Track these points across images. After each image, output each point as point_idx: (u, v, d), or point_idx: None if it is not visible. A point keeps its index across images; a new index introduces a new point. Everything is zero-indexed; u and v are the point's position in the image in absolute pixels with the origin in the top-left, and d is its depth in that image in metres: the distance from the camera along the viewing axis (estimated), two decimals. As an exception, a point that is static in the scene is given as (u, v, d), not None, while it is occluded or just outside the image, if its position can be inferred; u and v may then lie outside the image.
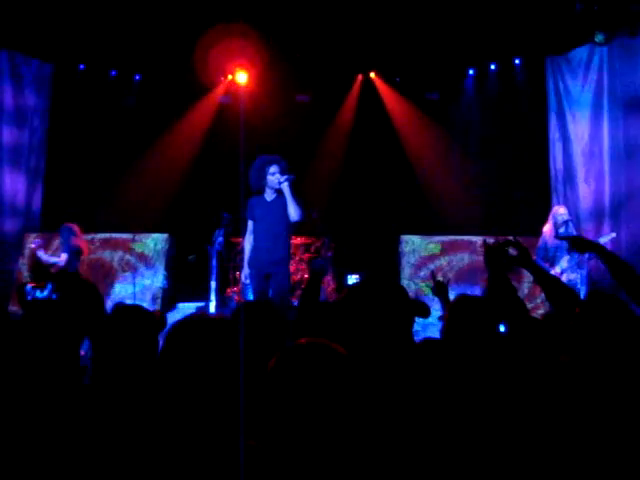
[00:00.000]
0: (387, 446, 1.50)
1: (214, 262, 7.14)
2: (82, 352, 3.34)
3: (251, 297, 6.15)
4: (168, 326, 1.73)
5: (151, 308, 6.84)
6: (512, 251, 2.67)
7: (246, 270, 5.74)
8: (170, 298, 8.45)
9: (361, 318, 1.66)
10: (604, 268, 2.75)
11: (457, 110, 9.62)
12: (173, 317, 7.28)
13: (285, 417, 1.44)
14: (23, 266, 8.62)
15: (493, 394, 1.86)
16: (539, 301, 7.33)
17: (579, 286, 6.03)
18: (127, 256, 8.65)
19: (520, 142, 9.05)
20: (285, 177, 5.53)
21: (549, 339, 2.35)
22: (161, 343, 1.71)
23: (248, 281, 5.75)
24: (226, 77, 9.50)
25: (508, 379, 1.95)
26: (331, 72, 9.37)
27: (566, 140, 8.53)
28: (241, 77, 9.29)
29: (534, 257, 6.44)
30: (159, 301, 8.33)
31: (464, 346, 2.26)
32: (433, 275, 3.71)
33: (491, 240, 2.90)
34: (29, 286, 2.26)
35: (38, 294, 2.25)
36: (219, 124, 9.28)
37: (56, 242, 8.55)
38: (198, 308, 7.73)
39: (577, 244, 2.81)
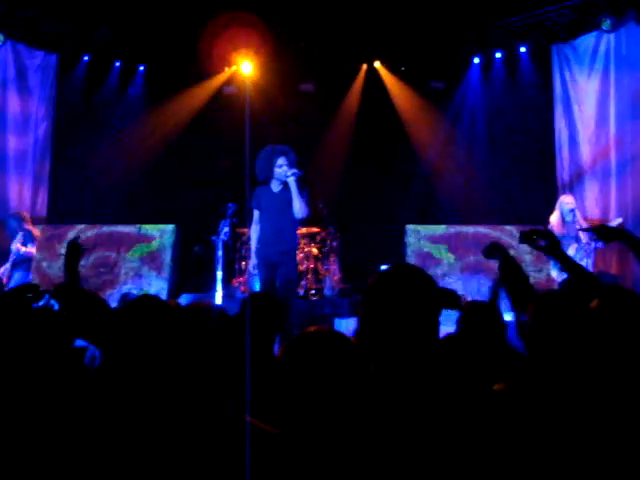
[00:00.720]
0: (395, 440, 1.49)
1: (220, 253, 7.15)
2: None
3: (258, 287, 6.15)
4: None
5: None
6: (541, 242, 2.70)
7: (253, 260, 5.73)
8: (176, 288, 8.46)
9: (386, 307, 1.65)
10: (609, 257, 2.77)
11: (462, 99, 9.57)
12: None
13: (294, 406, 1.44)
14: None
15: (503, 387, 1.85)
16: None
17: (586, 275, 6.00)
18: (133, 248, 8.65)
19: (526, 131, 9.00)
20: (292, 172, 5.47)
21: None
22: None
23: (256, 271, 5.74)
24: (230, 67, 9.47)
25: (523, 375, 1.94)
26: (335, 61, 9.33)
27: (573, 129, 8.48)
28: (246, 67, 9.25)
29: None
30: (165, 292, 8.34)
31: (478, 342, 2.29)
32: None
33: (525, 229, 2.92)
34: (29, 294, 2.27)
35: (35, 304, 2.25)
36: (224, 114, 9.25)
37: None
38: (198, 300, 7.70)
39: (603, 234, 2.81)
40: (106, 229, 8.68)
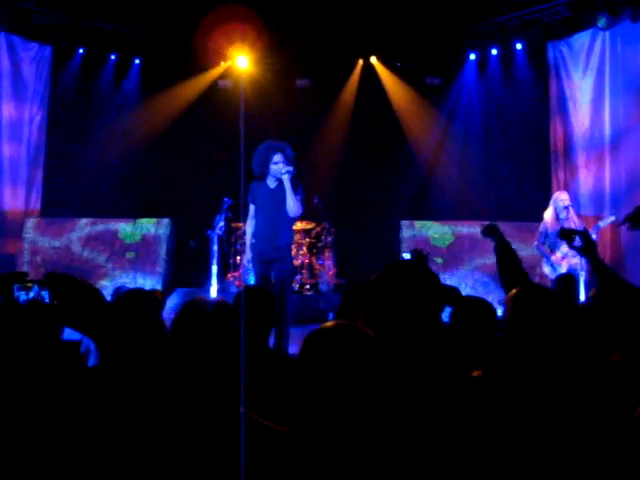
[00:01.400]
0: (415, 434, 1.50)
1: (215, 247, 7.15)
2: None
3: (252, 282, 6.16)
4: (170, 308, 1.73)
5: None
6: (578, 241, 2.85)
7: (248, 254, 5.74)
8: (170, 282, 8.47)
9: (390, 301, 1.66)
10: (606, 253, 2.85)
11: (458, 95, 9.59)
12: (172, 302, 7.31)
13: (315, 402, 1.43)
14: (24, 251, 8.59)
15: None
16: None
17: (580, 271, 6.04)
18: (127, 240, 8.65)
19: (521, 127, 9.04)
20: (286, 170, 5.47)
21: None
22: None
23: (250, 265, 5.75)
24: (226, 61, 9.45)
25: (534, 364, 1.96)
26: (332, 56, 9.33)
27: (568, 126, 8.51)
28: (241, 62, 9.24)
29: (535, 242, 6.46)
30: (159, 286, 8.34)
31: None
32: (419, 252, 3.75)
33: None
34: (16, 286, 2.15)
35: (23, 296, 2.15)
36: (219, 108, 9.24)
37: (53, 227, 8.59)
38: (191, 294, 7.69)
39: (566, 233, 2.96)
40: (101, 223, 8.70)
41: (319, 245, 8.57)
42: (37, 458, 1.58)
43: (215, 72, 9.52)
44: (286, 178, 5.46)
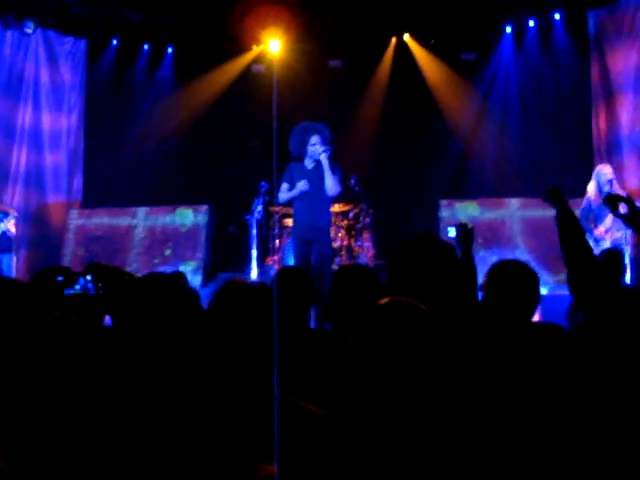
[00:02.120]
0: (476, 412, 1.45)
1: (254, 231, 7.21)
2: None
3: (292, 262, 6.19)
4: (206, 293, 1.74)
5: (192, 279, 6.95)
6: (623, 208, 2.69)
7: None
8: (212, 268, 8.55)
9: (410, 279, 1.63)
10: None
11: (495, 70, 9.38)
12: (214, 288, 7.38)
13: (370, 383, 1.38)
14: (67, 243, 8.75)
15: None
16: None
17: (624, 245, 5.88)
18: (168, 228, 8.77)
19: (561, 102, 8.79)
20: (323, 149, 5.48)
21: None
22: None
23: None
24: (258, 45, 9.43)
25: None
26: (364, 36, 9.22)
27: (610, 98, 8.24)
28: (274, 45, 9.21)
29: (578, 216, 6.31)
30: (200, 272, 8.43)
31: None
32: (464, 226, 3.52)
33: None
34: (59, 278, 2.09)
35: (68, 290, 2.09)
36: (253, 94, 9.24)
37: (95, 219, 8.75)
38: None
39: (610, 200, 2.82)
40: (142, 212, 8.83)
41: (357, 227, 8.52)
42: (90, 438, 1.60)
43: (247, 57, 9.51)
44: (324, 157, 5.47)
